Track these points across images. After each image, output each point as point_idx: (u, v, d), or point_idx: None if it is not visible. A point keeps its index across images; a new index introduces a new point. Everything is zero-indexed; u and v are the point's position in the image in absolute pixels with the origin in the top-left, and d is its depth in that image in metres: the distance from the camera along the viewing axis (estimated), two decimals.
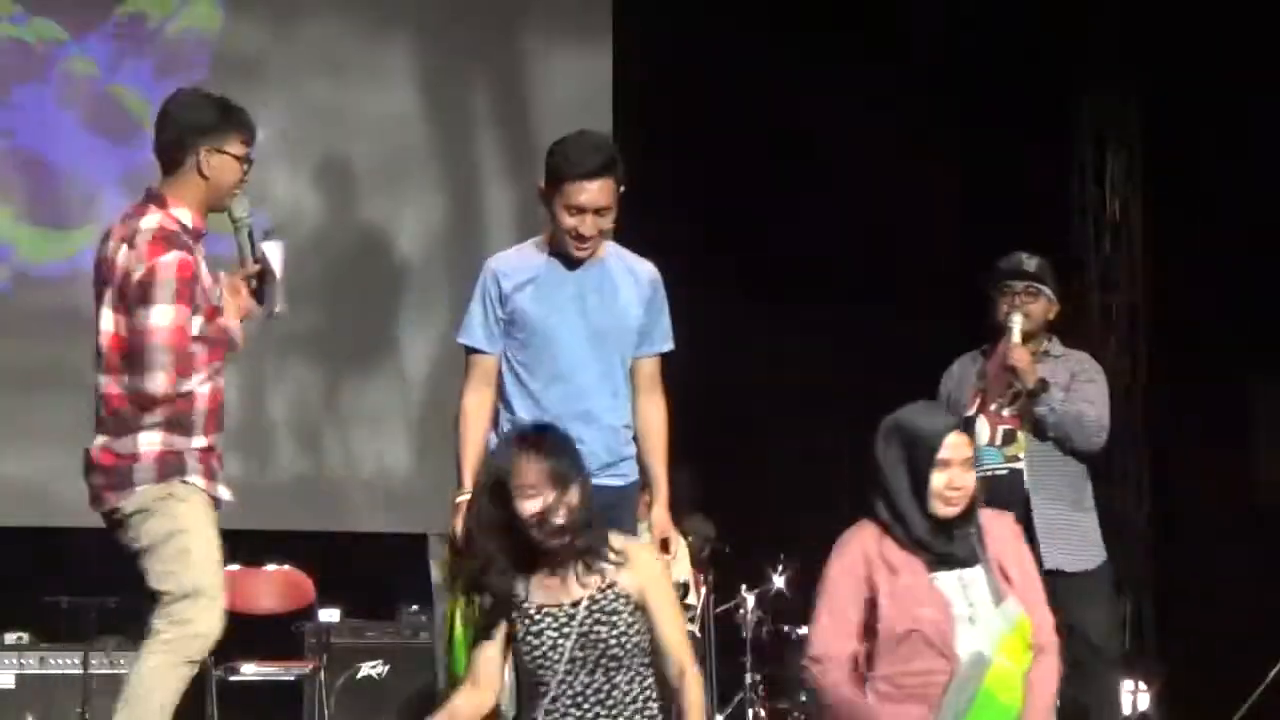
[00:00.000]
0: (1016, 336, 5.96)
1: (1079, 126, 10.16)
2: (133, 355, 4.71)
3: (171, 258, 4.67)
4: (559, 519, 4.49)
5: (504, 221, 9.66)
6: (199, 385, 4.84)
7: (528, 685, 4.59)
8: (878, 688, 4.57)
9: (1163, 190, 10.00)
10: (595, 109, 9.69)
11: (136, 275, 4.66)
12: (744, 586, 8.14)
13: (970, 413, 6.03)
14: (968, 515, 4.66)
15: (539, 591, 4.54)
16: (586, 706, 4.51)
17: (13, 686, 7.93)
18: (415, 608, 8.59)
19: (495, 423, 5.21)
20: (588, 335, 5.18)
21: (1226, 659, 8.48)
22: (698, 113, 9.48)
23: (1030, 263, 6.11)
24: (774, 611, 8.27)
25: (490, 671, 4.59)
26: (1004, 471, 5.96)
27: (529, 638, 4.53)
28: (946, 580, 4.60)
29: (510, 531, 4.51)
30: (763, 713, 8.14)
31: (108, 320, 4.77)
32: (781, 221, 9.53)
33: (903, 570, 4.59)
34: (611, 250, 5.28)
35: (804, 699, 4.59)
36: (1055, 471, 5.98)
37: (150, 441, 4.79)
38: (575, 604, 4.52)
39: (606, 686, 4.52)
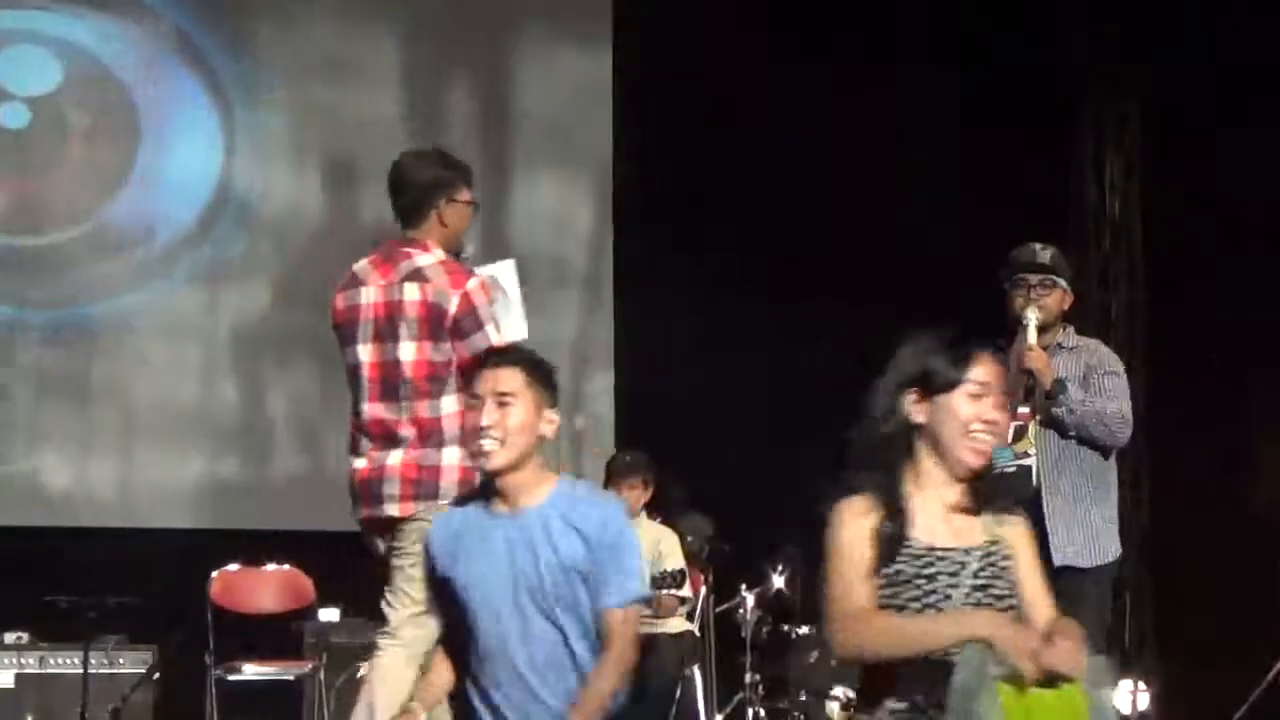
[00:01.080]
0: (1032, 336, 5.89)
1: (1078, 125, 10.16)
2: (466, 376, 5.03)
3: (475, 283, 5.25)
4: (997, 436, 3.89)
5: (504, 224, 9.67)
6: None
7: None
8: None
9: (1162, 189, 10.00)
10: (595, 110, 9.71)
11: (452, 306, 5.17)
12: (744, 586, 8.14)
13: None
14: None
15: (919, 529, 3.86)
16: None
17: (12, 686, 7.93)
18: None
19: None
20: (516, 602, 4.39)
21: (1226, 660, 8.48)
22: (697, 113, 9.48)
23: (1044, 254, 6.05)
24: (774, 611, 8.27)
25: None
26: (1012, 469, 5.90)
27: (918, 579, 3.82)
28: None
29: (907, 449, 3.91)
30: (762, 712, 8.14)
31: (408, 351, 5.20)
32: (780, 221, 9.53)
33: None
34: (560, 491, 4.48)
35: None
36: (1070, 466, 5.90)
37: (452, 457, 5.21)
38: (967, 551, 3.86)
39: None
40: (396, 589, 5.28)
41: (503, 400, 4.40)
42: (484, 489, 4.51)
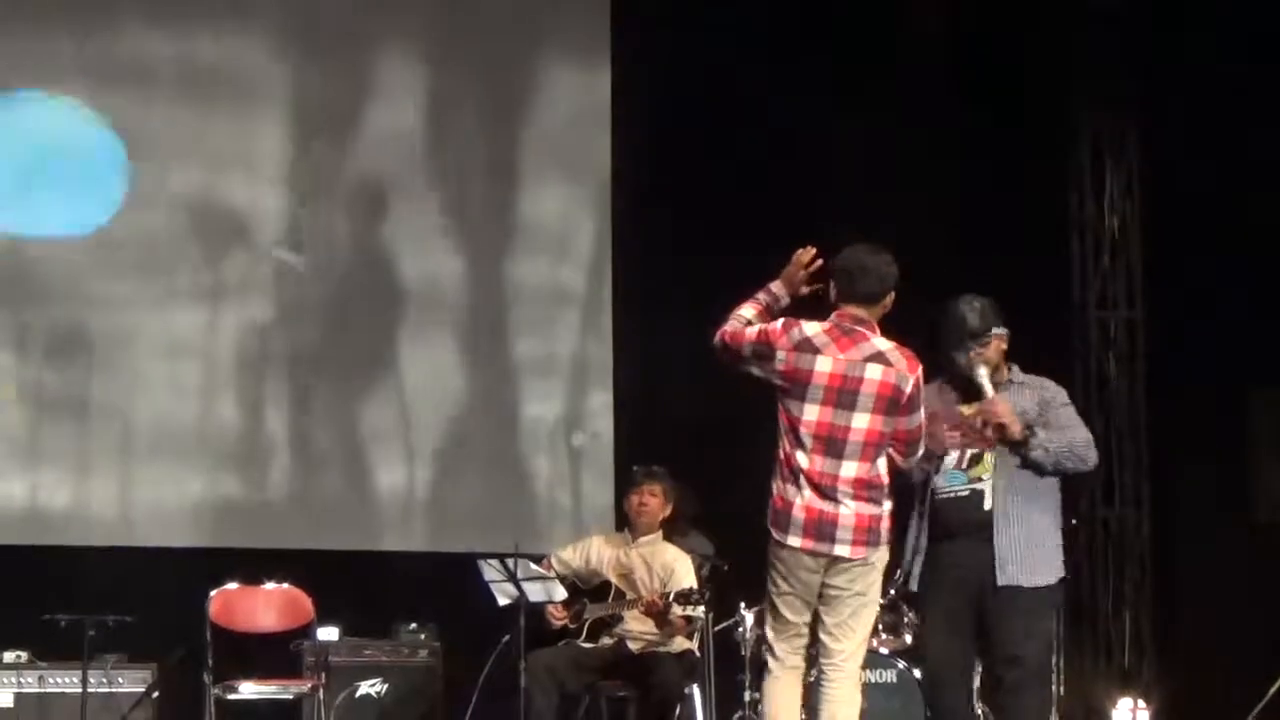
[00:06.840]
0: (990, 390, 5.95)
1: (1077, 142, 10.16)
2: (908, 444, 5.98)
3: (920, 372, 5.96)
4: None
5: (504, 239, 9.68)
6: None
7: None
8: None
9: (1160, 206, 10.01)
10: (594, 130, 9.72)
11: (908, 388, 5.91)
12: (743, 604, 8.12)
13: None
14: None
15: None
16: None
17: (11, 705, 7.92)
18: (413, 626, 8.58)
19: None
20: None
21: (1226, 675, 8.47)
22: (695, 133, 9.49)
23: (973, 318, 6.05)
24: None
25: None
26: (965, 492, 5.96)
27: None
28: None
29: None
30: None
31: (862, 420, 5.91)
32: (781, 236, 9.51)
33: None
34: None
35: None
36: (1023, 491, 5.94)
37: (889, 509, 5.95)
38: None
39: None
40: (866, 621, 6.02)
41: None
42: None
